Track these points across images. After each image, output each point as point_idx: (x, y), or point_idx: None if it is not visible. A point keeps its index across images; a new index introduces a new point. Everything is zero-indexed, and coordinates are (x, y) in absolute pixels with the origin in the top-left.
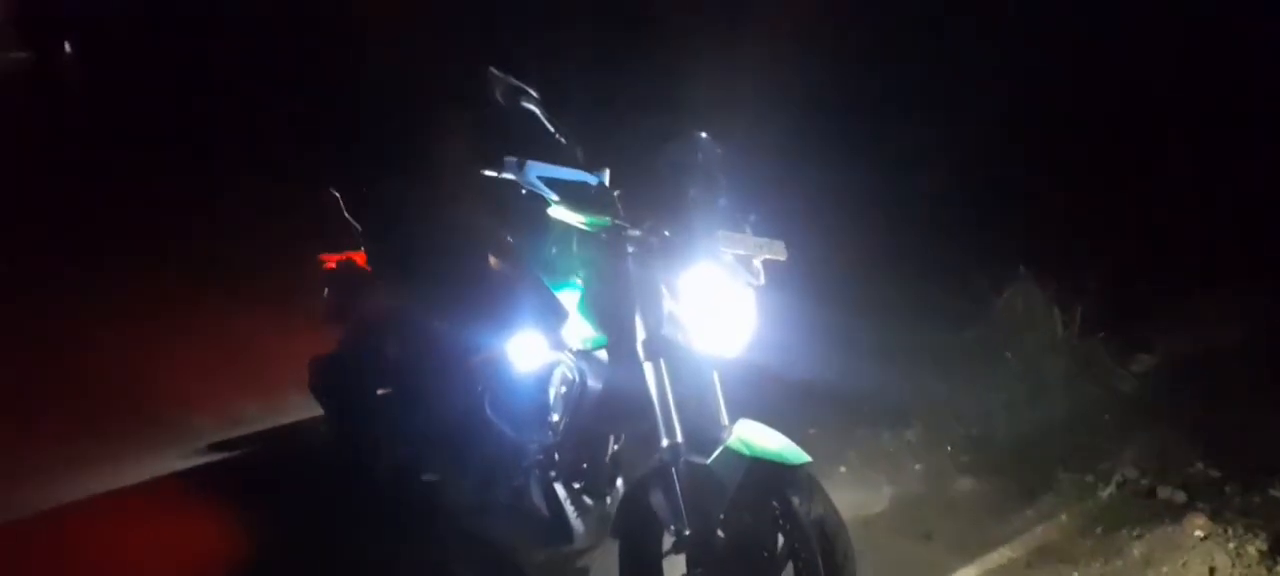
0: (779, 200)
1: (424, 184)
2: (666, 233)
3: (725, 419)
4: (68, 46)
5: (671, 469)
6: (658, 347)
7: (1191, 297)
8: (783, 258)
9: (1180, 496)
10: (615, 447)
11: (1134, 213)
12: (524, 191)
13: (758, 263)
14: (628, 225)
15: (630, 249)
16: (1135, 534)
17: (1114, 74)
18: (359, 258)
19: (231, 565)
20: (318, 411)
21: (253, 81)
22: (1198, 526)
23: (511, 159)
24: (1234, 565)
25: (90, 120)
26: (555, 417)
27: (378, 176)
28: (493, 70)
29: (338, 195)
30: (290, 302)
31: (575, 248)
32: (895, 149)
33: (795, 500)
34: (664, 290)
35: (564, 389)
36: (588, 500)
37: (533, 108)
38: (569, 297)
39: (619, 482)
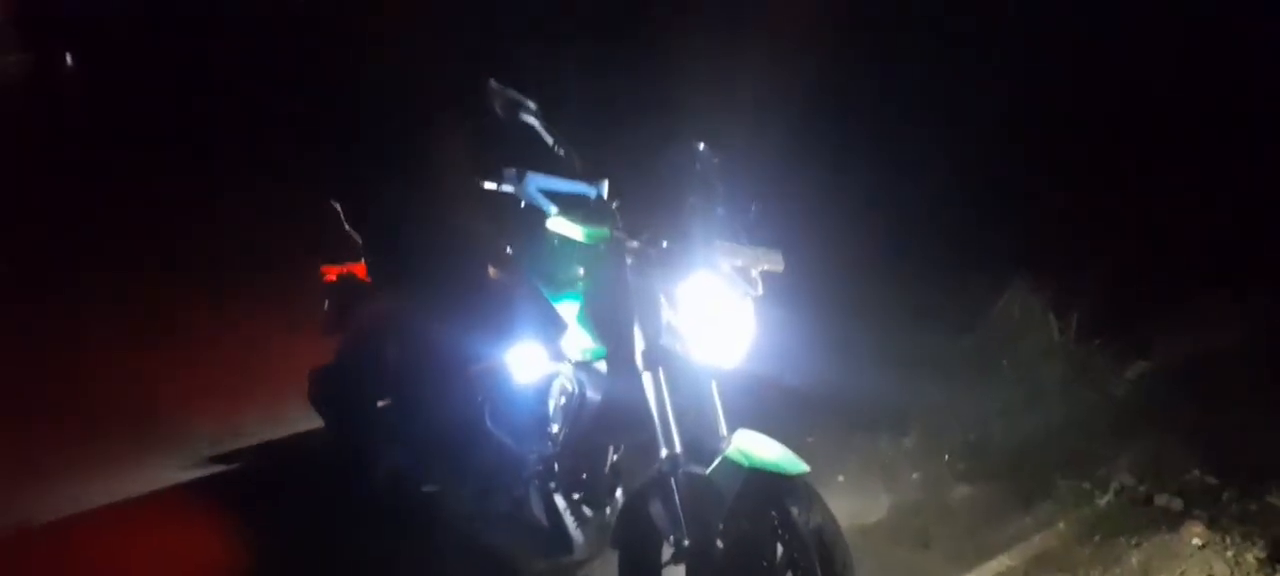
0: (777, 203)
1: (424, 195)
2: (665, 243)
3: (723, 429)
4: (69, 57)
5: (670, 479)
6: (656, 358)
7: (1189, 301)
8: (780, 268)
9: (1177, 503)
10: (614, 458)
11: (1131, 215)
12: (523, 203)
13: (755, 272)
14: (626, 236)
15: (628, 259)
16: (1133, 542)
17: (1113, 74)
18: (359, 269)
19: None
20: (317, 422)
21: (253, 81)
22: (1195, 534)
23: (511, 171)
24: (1233, 573)
25: (90, 120)
26: (555, 428)
27: (378, 182)
28: (492, 83)
29: (338, 207)
30: (290, 308)
31: (574, 259)
32: (893, 152)
33: (794, 510)
34: (662, 300)
35: (563, 399)
36: (587, 510)
37: (531, 120)
38: (568, 309)
39: (618, 493)
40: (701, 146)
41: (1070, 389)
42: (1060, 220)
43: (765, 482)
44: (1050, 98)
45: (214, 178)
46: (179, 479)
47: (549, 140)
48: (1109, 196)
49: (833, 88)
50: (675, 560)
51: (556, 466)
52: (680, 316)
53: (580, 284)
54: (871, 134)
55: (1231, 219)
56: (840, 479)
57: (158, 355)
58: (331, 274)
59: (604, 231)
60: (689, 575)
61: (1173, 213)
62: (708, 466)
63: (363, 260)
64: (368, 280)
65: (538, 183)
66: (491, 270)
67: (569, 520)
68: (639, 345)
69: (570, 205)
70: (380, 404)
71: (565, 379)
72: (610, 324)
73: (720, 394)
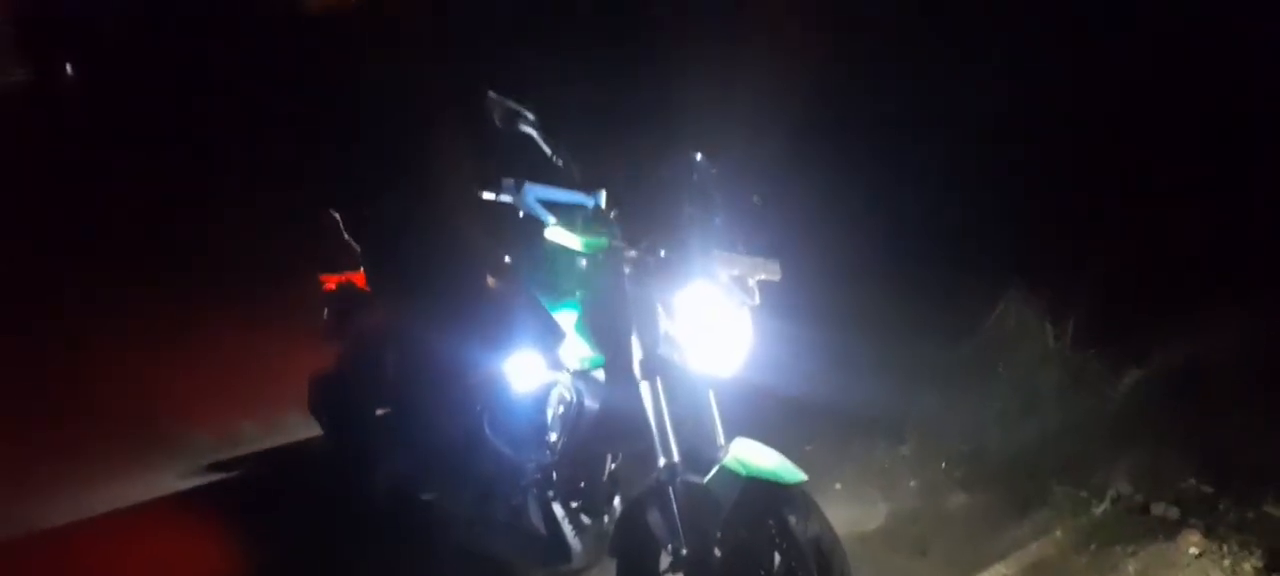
0: (774, 211)
1: (423, 204)
2: (662, 253)
3: (721, 437)
4: (69, 67)
5: (668, 488)
6: (654, 367)
7: (1185, 308)
8: (777, 277)
9: (1174, 512)
10: (612, 466)
11: (1127, 221)
12: (521, 213)
13: (753, 282)
14: (624, 246)
15: (626, 269)
16: (1130, 550)
17: (1112, 75)
18: (359, 278)
19: None
20: (316, 430)
21: (253, 81)
22: (1192, 543)
23: (510, 181)
24: None
25: (90, 121)
26: (553, 437)
27: (378, 185)
28: (491, 94)
29: (338, 216)
30: (290, 315)
31: (572, 268)
32: (890, 159)
33: (791, 518)
34: (660, 310)
35: (561, 408)
36: (585, 519)
37: (530, 131)
38: (566, 318)
39: (616, 501)
40: (699, 156)
41: (1066, 396)
42: (1058, 226)
43: (763, 491)
44: (1049, 99)
45: (214, 181)
46: (178, 486)
47: (547, 150)
48: (1106, 202)
49: (830, 95)
50: (673, 569)
51: (555, 475)
52: (678, 326)
53: (578, 293)
54: (868, 141)
55: (1229, 225)
56: (837, 487)
57: (157, 360)
58: (331, 282)
59: (602, 241)
60: None
61: (1169, 219)
62: (705, 475)
63: (362, 269)
64: (367, 289)
65: (536, 193)
66: (490, 279)
67: (567, 528)
68: (637, 354)
69: (568, 215)
70: (379, 412)
71: (563, 387)
72: (608, 333)
73: (718, 403)
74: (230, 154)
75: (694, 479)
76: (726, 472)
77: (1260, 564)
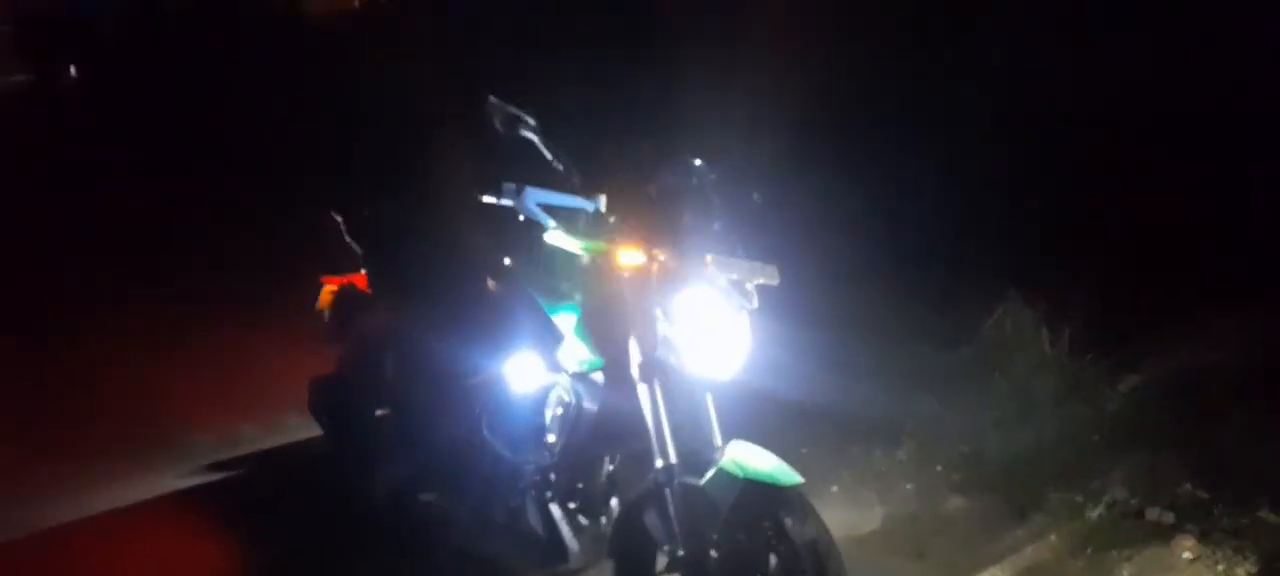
0: (772, 215)
1: (424, 208)
2: (661, 257)
3: (718, 440)
4: (73, 70)
5: (666, 490)
6: (653, 370)
7: (1181, 314)
8: (776, 281)
9: (1169, 517)
10: (610, 468)
11: (1125, 224)
12: (522, 217)
13: (751, 286)
14: (624, 250)
15: (625, 273)
16: (1125, 555)
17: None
18: (360, 280)
19: None
20: (317, 431)
21: (253, 81)
22: (1186, 548)
23: (510, 185)
24: None
25: (90, 121)
26: (552, 439)
27: (378, 187)
28: (491, 99)
29: (339, 219)
30: (291, 317)
31: (572, 272)
32: (888, 165)
33: (788, 521)
34: (659, 314)
35: (560, 410)
36: (583, 520)
37: (530, 135)
38: (566, 321)
39: (614, 503)
40: (697, 162)
41: (1063, 402)
42: (1057, 228)
43: (760, 493)
44: (1048, 101)
45: (214, 182)
46: (178, 486)
47: (548, 155)
48: (1105, 203)
49: (829, 98)
50: (670, 570)
51: (553, 476)
52: (676, 329)
53: (578, 296)
54: (867, 144)
55: (1227, 227)
56: (834, 490)
57: (157, 361)
58: (332, 284)
59: (601, 245)
60: None
61: (1167, 222)
62: (703, 477)
63: (363, 271)
64: (368, 290)
65: (536, 197)
66: (490, 282)
67: (565, 530)
68: (635, 357)
69: (568, 219)
70: (379, 413)
71: (562, 390)
72: (607, 336)
73: (715, 406)
74: (230, 154)
75: (691, 481)
76: (724, 475)
77: (1254, 569)
